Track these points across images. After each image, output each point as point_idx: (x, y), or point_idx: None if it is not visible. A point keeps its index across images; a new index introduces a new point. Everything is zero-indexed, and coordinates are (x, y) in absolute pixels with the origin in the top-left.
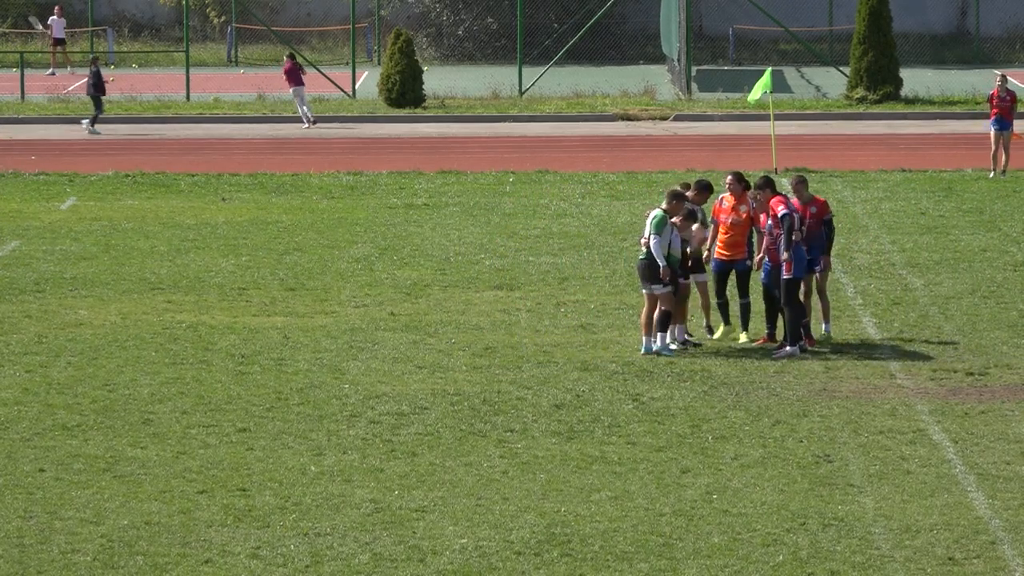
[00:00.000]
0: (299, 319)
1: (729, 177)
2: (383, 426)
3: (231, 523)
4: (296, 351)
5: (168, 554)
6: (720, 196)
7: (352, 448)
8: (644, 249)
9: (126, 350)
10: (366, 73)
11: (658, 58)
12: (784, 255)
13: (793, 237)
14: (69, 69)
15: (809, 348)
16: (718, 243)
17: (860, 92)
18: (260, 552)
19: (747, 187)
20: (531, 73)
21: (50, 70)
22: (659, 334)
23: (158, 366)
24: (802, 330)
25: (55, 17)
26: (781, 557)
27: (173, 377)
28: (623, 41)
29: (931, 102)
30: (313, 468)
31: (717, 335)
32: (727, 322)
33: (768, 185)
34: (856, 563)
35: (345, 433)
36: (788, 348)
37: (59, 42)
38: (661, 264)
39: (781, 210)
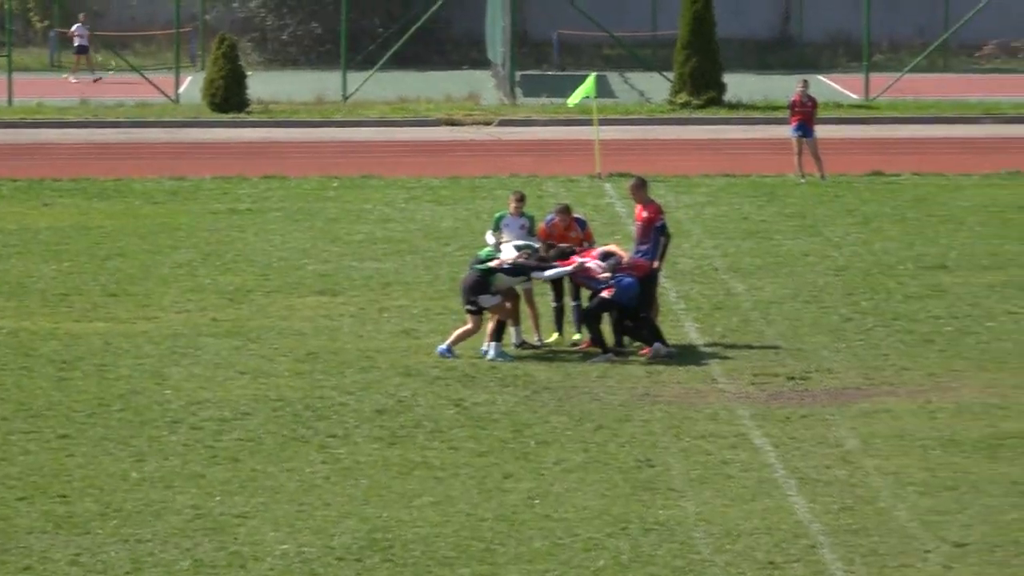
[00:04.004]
0: (121, 325)
1: (559, 207)
2: (205, 432)
3: (51, 530)
4: (118, 357)
5: None
6: (549, 220)
7: (174, 454)
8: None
9: None
10: (190, 78)
11: (483, 63)
12: (605, 274)
13: (604, 275)
14: (108, 73)
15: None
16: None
17: (684, 97)
18: (80, 559)
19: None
20: (356, 78)
21: (71, 76)
22: (493, 343)
23: None
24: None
25: (79, 24)
26: (602, 562)
27: None
28: (448, 46)
29: (754, 107)
30: (134, 474)
31: (549, 340)
32: (560, 330)
33: (566, 210)
34: (677, 567)
35: (167, 439)
36: (603, 355)
37: (82, 50)
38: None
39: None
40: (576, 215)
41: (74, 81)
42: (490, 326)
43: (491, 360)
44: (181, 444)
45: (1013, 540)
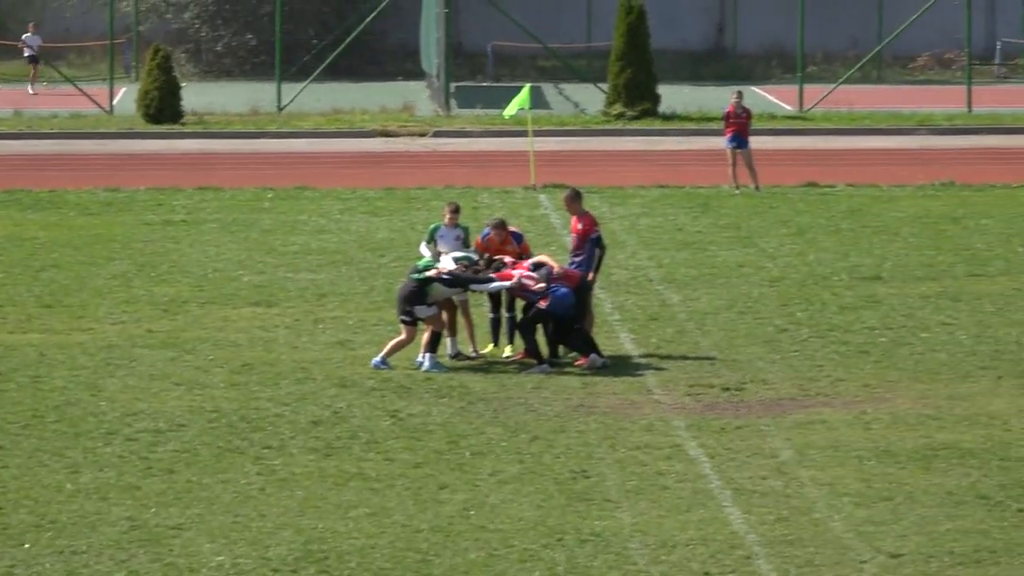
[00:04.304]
0: (56, 336)
1: (494, 221)
2: (140, 443)
3: None
4: (52, 368)
5: None
6: (485, 235)
7: (109, 465)
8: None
9: None
10: (124, 89)
11: (417, 74)
12: (540, 285)
13: (539, 287)
14: (44, 84)
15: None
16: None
17: (618, 108)
18: (15, 571)
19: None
20: (290, 89)
21: (30, 89)
22: (428, 354)
23: None
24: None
25: (29, 35)
26: (538, 573)
27: None
28: (382, 57)
29: (688, 118)
30: (69, 486)
31: (484, 351)
32: (495, 341)
33: (502, 225)
34: None
35: (102, 451)
36: (539, 366)
37: (33, 59)
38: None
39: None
40: (512, 229)
41: (34, 92)
42: (425, 337)
43: (426, 371)
44: (116, 456)
45: (948, 551)
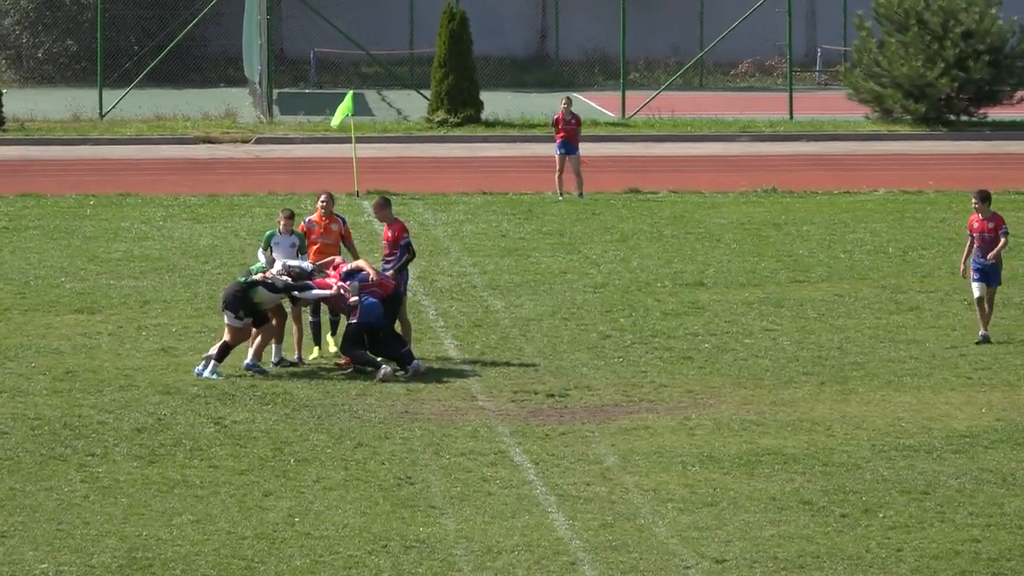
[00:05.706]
0: None
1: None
2: None
3: None
4: None
5: None
6: (308, 220)
7: None
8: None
9: None
10: None
11: (240, 81)
12: (353, 298)
13: (351, 301)
14: None
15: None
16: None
17: (441, 115)
18: None
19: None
20: (112, 96)
21: None
22: (214, 362)
23: None
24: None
25: None
26: None
27: None
28: (204, 64)
29: (511, 125)
30: None
31: (309, 358)
32: (318, 343)
33: (329, 199)
34: None
35: None
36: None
37: None
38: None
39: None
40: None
41: None
42: (257, 341)
43: (204, 377)
44: None
45: (772, 556)
